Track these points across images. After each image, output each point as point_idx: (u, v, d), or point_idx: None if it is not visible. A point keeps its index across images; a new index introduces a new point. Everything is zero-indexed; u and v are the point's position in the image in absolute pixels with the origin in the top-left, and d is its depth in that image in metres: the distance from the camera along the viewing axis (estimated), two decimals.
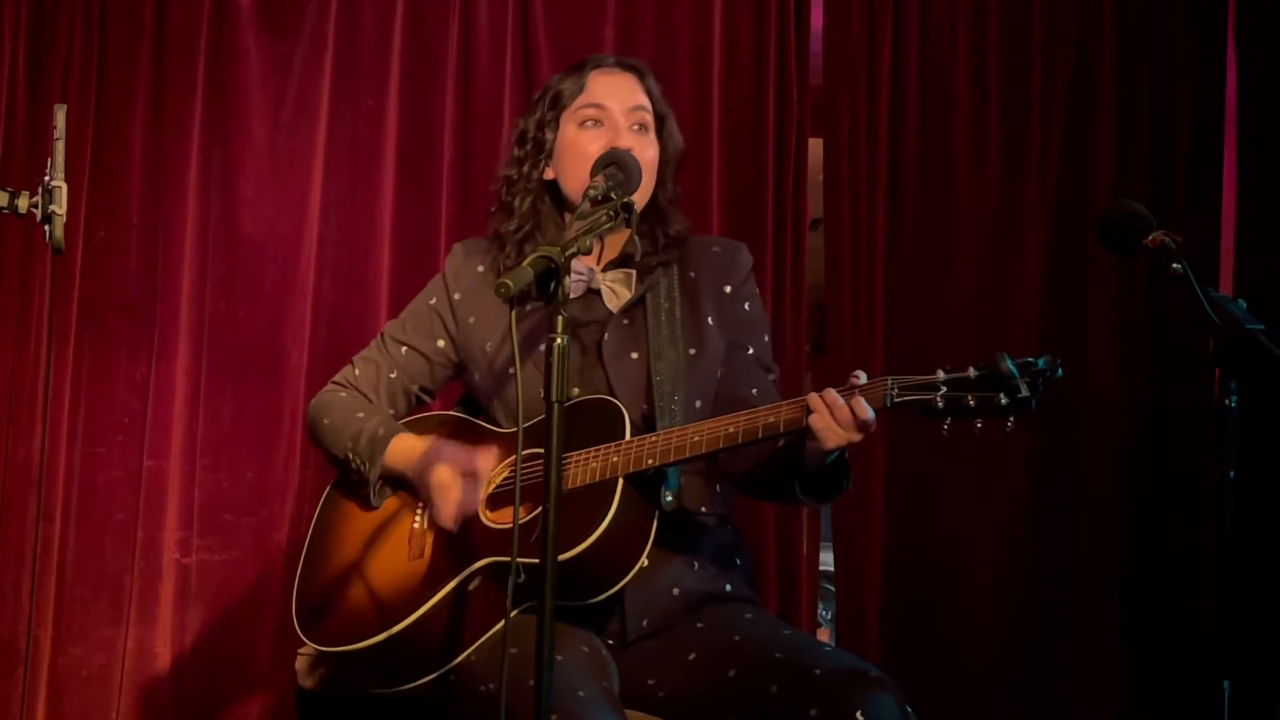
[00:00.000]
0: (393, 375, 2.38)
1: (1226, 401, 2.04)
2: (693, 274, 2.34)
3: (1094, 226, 2.24)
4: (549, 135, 2.34)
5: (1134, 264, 3.42)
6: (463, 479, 2.16)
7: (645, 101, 2.35)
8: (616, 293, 2.30)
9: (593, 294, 2.31)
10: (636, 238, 2.33)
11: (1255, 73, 3.51)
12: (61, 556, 3.24)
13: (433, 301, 2.40)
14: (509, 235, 2.34)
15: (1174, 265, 2.10)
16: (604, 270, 2.32)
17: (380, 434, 2.27)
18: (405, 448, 2.25)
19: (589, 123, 2.31)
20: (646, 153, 2.29)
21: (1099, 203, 3.39)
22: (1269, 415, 3.18)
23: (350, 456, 2.28)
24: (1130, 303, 3.46)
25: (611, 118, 2.30)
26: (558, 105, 2.35)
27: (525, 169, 2.35)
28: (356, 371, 2.40)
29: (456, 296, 2.37)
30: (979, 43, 3.52)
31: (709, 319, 2.31)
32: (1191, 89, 3.51)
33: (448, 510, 2.16)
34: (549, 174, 2.35)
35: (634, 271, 2.31)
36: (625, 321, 2.28)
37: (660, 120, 2.37)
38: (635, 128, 2.31)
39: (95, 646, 3.24)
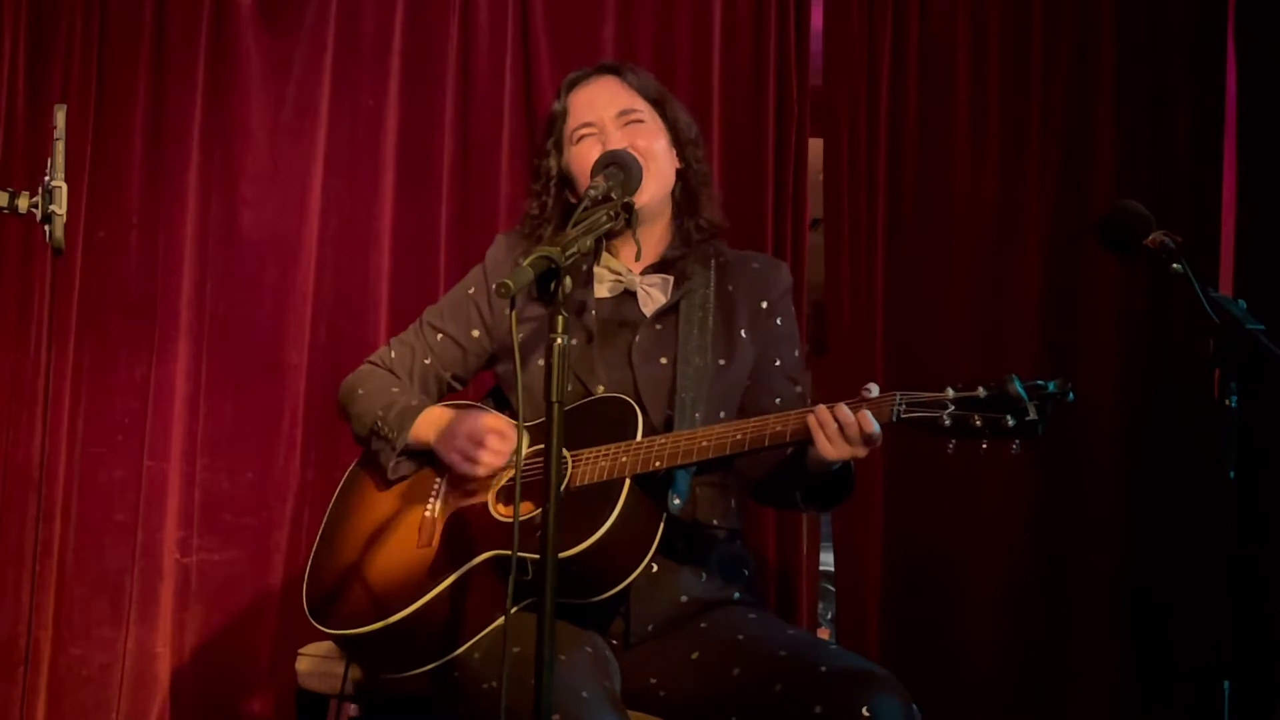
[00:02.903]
0: (427, 361, 2.41)
1: (1226, 401, 2.04)
2: (730, 287, 2.36)
3: (1094, 227, 2.24)
4: (553, 162, 2.39)
5: (1134, 264, 3.41)
6: (491, 434, 2.17)
7: (630, 97, 2.37)
8: (652, 296, 2.32)
9: (629, 295, 2.32)
10: (671, 233, 2.35)
11: (1255, 73, 3.50)
12: (61, 556, 3.24)
13: (471, 291, 2.43)
14: None
15: (1174, 265, 2.10)
16: (642, 273, 2.33)
17: (413, 405, 2.31)
18: (433, 418, 2.28)
19: (583, 139, 2.34)
20: (645, 142, 2.31)
21: (1099, 203, 3.39)
22: (1269, 415, 3.17)
23: (379, 425, 2.31)
24: (1130, 303, 3.46)
25: (600, 126, 2.33)
26: (553, 132, 2.40)
27: (544, 200, 2.39)
28: (392, 354, 2.43)
29: (493, 286, 2.39)
30: (979, 43, 3.51)
31: (742, 332, 2.33)
32: (1191, 89, 3.50)
33: (477, 456, 2.17)
34: (573, 198, 2.38)
35: (672, 276, 2.32)
36: (658, 326, 2.30)
37: (659, 106, 2.38)
38: (626, 125, 2.33)
39: (95, 646, 3.24)
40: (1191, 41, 3.51)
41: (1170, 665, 3.35)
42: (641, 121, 2.35)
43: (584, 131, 2.34)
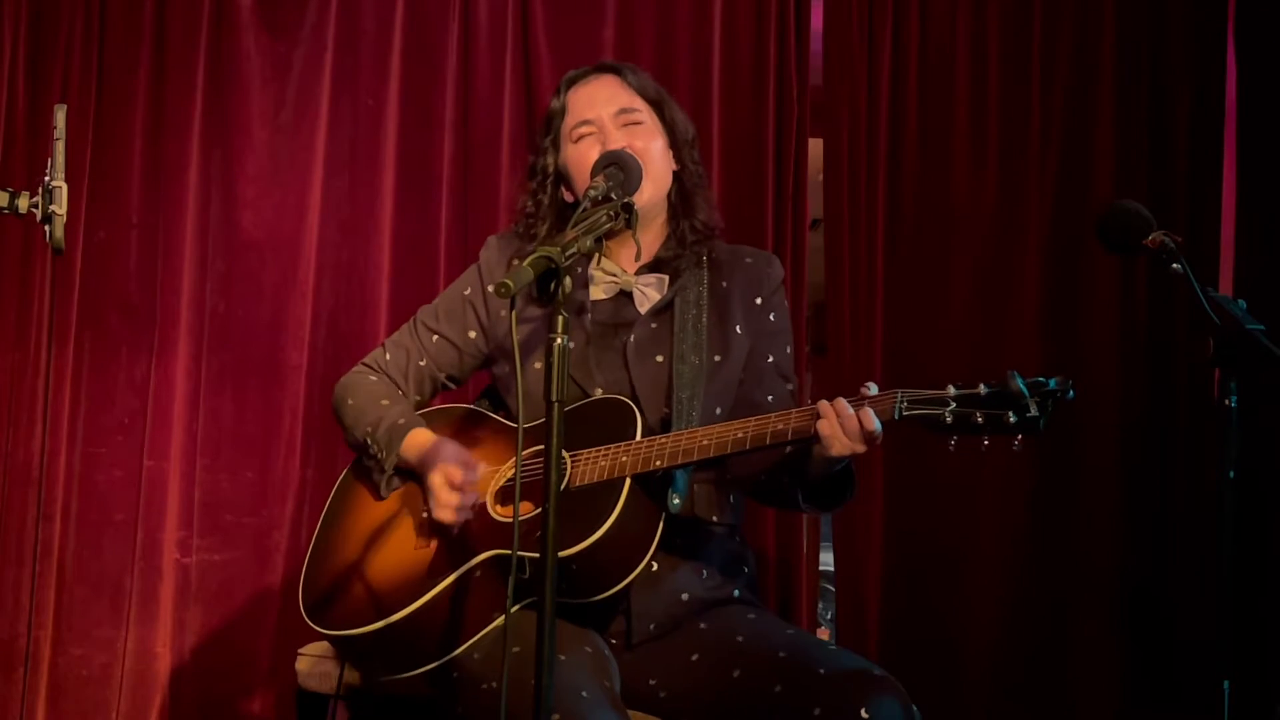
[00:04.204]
0: (422, 363, 2.40)
1: (1226, 401, 2.04)
2: (724, 283, 2.36)
3: (1094, 227, 2.24)
4: (550, 160, 2.39)
5: (1134, 264, 3.42)
6: (447, 490, 2.16)
7: (629, 96, 2.37)
8: (648, 295, 2.32)
9: (625, 296, 2.33)
10: (665, 234, 2.35)
11: (1255, 73, 3.50)
12: (61, 556, 3.24)
13: (467, 292, 2.43)
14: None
15: (1174, 265, 2.10)
16: (637, 273, 2.33)
17: (400, 424, 2.29)
18: (419, 442, 2.27)
19: (582, 138, 2.34)
20: (645, 143, 2.31)
21: (1099, 203, 3.39)
22: (1269, 415, 3.18)
23: (369, 442, 2.31)
24: (1130, 303, 3.46)
25: (599, 124, 2.33)
26: (551, 129, 2.40)
27: (540, 198, 2.39)
28: (387, 356, 2.42)
29: (490, 288, 2.39)
30: (979, 43, 3.52)
31: (737, 328, 2.33)
32: (1191, 89, 3.50)
33: (443, 514, 2.16)
34: (568, 196, 2.38)
35: (667, 276, 2.32)
36: (653, 324, 2.30)
37: (657, 107, 2.38)
38: (625, 125, 2.33)
39: (95, 646, 3.24)
40: (1191, 41, 3.51)
41: (1170, 665, 3.35)
42: (640, 123, 2.35)
43: (583, 130, 2.34)
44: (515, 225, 2.43)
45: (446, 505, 2.15)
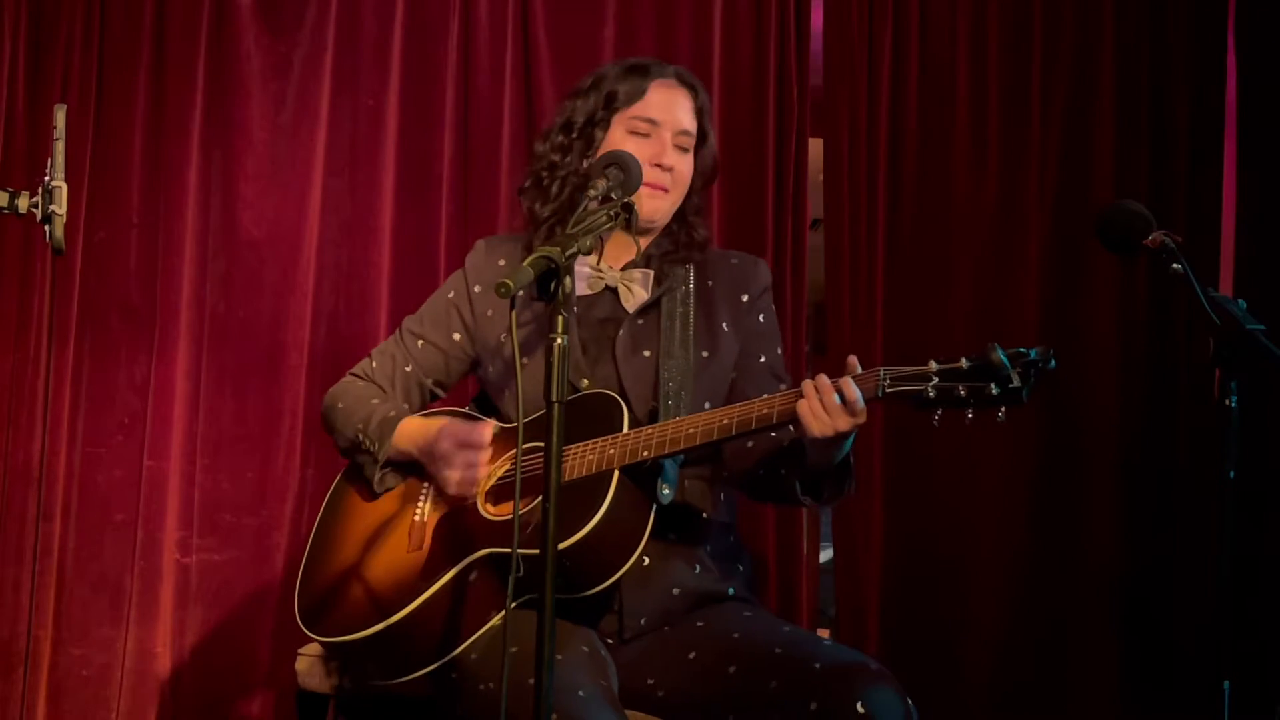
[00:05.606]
0: (408, 369, 2.41)
1: (1226, 401, 2.04)
2: (710, 282, 2.37)
3: (1094, 226, 2.24)
4: (599, 133, 2.36)
5: (1134, 264, 3.42)
6: (461, 450, 2.17)
7: (692, 120, 2.37)
8: (633, 292, 2.33)
9: (611, 292, 2.33)
10: (660, 238, 2.36)
11: (1255, 73, 3.50)
12: (61, 556, 3.24)
13: (451, 295, 2.44)
14: (542, 217, 2.35)
15: (1174, 265, 2.10)
16: (623, 270, 2.34)
17: (391, 415, 2.30)
18: (413, 427, 2.27)
19: (638, 134, 2.33)
20: (684, 169, 2.34)
21: (1099, 203, 3.39)
22: (1269, 415, 3.18)
23: (361, 438, 2.31)
24: (1130, 303, 3.46)
25: (661, 134, 2.33)
26: (611, 105, 2.36)
27: (569, 158, 2.36)
28: (374, 364, 2.43)
29: (476, 289, 2.40)
30: (979, 42, 3.52)
31: (724, 324, 2.33)
32: (1191, 89, 3.51)
33: (451, 476, 2.17)
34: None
35: (652, 272, 2.33)
36: (640, 321, 2.31)
37: (702, 137, 2.39)
38: (679, 147, 2.34)
39: (95, 646, 3.25)
40: (1191, 41, 3.51)
41: (1170, 665, 3.35)
42: (688, 150, 2.36)
43: (644, 127, 2.32)
44: (529, 168, 2.40)
45: (463, 465, 2.15)
